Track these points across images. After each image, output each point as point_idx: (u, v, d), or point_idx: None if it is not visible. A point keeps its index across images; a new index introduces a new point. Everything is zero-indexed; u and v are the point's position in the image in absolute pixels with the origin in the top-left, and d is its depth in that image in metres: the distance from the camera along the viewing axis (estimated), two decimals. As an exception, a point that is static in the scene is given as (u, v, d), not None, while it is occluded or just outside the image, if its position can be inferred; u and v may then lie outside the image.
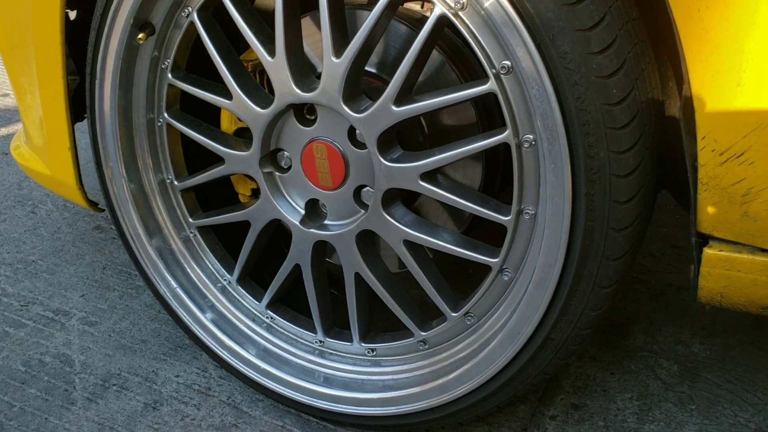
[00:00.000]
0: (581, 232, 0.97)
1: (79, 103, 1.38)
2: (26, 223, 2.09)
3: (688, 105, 0.87)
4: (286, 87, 1.12)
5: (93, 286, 1.80)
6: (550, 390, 1.42)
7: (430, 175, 1.09)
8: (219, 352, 1.40)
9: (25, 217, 2.12)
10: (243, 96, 1.17)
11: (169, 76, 1.26)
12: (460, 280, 1.72)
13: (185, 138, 1.34)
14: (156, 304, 1.70)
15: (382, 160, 1.09)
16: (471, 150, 1.03)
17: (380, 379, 1.28)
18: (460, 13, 0.95)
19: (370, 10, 1.01)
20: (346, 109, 1.08)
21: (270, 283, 1.35)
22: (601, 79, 0.88)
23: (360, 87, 1.11)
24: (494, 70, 0.95)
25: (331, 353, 1.35)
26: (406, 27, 1.20)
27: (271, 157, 1.24)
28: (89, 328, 1.64)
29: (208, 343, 1.41)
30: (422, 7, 1.33)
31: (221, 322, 1.42)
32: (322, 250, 1.27)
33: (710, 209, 0.91)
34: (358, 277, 1.23)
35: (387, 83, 1.04)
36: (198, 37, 1.20)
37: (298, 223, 1.24)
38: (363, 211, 1.18)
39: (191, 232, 1.41)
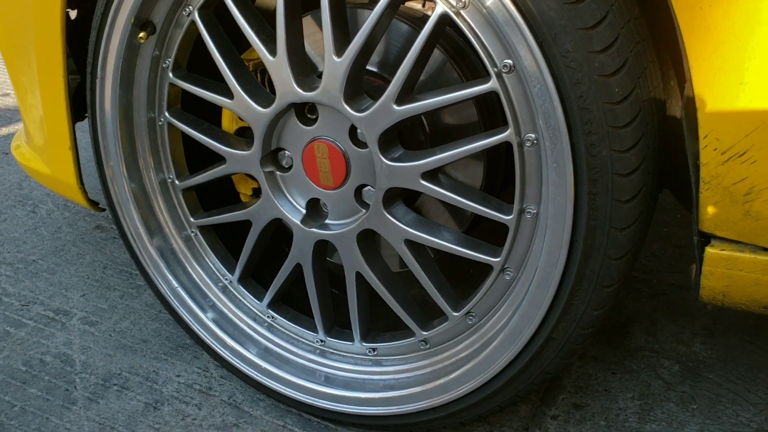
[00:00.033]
0: (583, 232, 0.97)
1: (80, 103, 1.38)
2: (27, 222, 2.09)
3: (690, 104, 0.87)
4: (287, 86, 1.12)
5: (94, 285, 1.79)
6: (551, 389, 1.42)
7: (431, 175, 1.08)
8: (220, 351, 1.40)
9: (26, 217, 2.12)
10: (244, 95, 1.17)
11: (170, 75, 1.26)
12: (462, 279, 1.72)
13: (186, 137, 1.34)
14: (157, 304, 1.70)
15: (384, 159, 1.09)
16: (472, 149, 1.03)
17: (381, 379, 1.28)
18: (462, 12, 0.94)
19: (372, 9, 1.01)
20: (347, 108, 1.08)
21: (271, 283, 1.35)
22: (603, 77, 0.88)
23: (361, 86, 1.10)
24: (496, 69, 0.95)
25: (332, 353, 1.35)
26: (408, 26, 1.19)
27: (272, 156, 1.24)
28: (90, 328, 1.64)
29: (210, 343, 1.41)
30: (423, 5, 1.33)
31: (222, 321, 1.42)
32: (323, 249, 1.27)
33: (712, 208, 0.91)
34: (359, 277, 1.23)
35: (388, 82, 1.03)
36: (199, 36, 1.20)
37: (299, 223, 1.24)
38: (364, 210, 1.18)
39: (192, 232, 1.41)
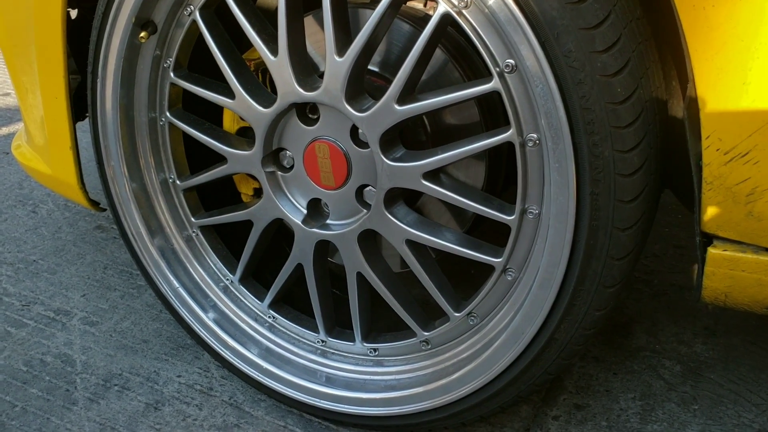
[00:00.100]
0: (585, 232, 0.97)
1: (81, 102, 1.38)
2: (27, 222, 2.09)
3: (693, 104, 0.87)
4: (288, 86, 1.12)
5: (94, 285, 1.79)
6: (553, 390, 1.42)
7: (432, 175, 1.08)
8: (221, 351, 1.40)
9: (26, 217, 2.11)
10: (245, 95, 1.17)
11: (171, 75, 1.25)
12: (463, 280, 1.71)
13: (187, 137, 1.34)
14: (158, 304, 1.70)
15: (385, 159, 1.09)
16: (474, 149, 1.03)
17: (383, 379, 1.28)
18: (464, 12, 0.94)
19: (373, 9, 1.01)
20: (348, 108, 1.08)
21: (272, 283, 1.35)
22: (605, 77, 0.87)
23: (363, 86, 1.10)
24: (498, 69, 0.95)
25: (333, 353, 1.35)
26: (409, 25, 1.19)
27: (273, 156, 1.23)
28: (90, 328, 1.64)
29: (210, 343, 1.41)
30: (425, 5, 1.33)
31: (223, 321, 1.42)
32: (324, 249, 1.27)
33: (714, 209, 0.91)
34: (361, 277, 1.23)
35: (390, 82, 1.03)
36: (200, 35, 1.20)
37: (300, 223, 1.24)
38: (365, 210, 1.18)
39: (193, 232, 1.41)
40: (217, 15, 1.19)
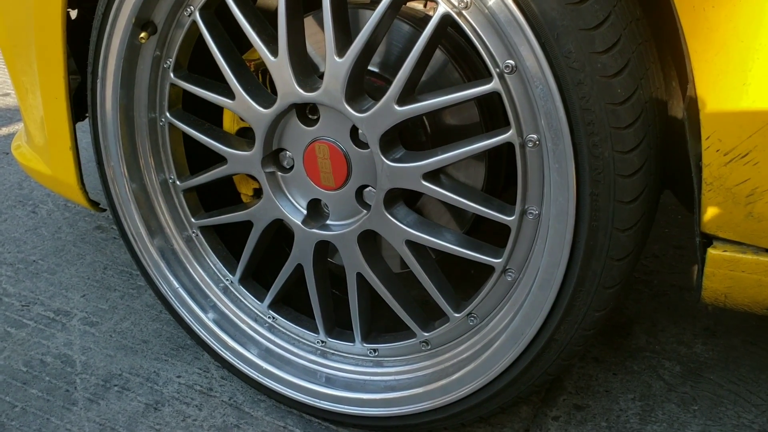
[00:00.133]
0: (585, 233, 0.97)
1: (81, 103, 1.38)
2: (27, 222, 2.09)
3: (693, 105, 0.87)
4: (288, 87, 1.12)
5: (94, 286, 1.79)
6: (552, 391, 1.42)
7: (432, 175, 1.08)
8: (221, 352, 1.40)
9: (26, 217, 2.11)
10: (245, 96, 1.17)
11: (171, 75, 1.25)
12: (463, 280, 1.71)
13: (187, 138, 1.34)
14: (157, 304, 1.70)
15: (385, 159, 1.09)
16: (474, 150, 1.03)
17: (382, 380, 1.28)
18: (464, 12, 0.94)
19: (373, 9, 1.01)
20: (348, 108, 1.08)
21: (272, 283, 1.35)
22: (605, 78, 0.87)
23: (363, 86, 1.10)
24: (498, 70, 0.95)
25: (333, 353, 1.35)
26: (409, 26, 1.19)
27: (273, 156, 1.23)
28: (90, 329, 1.64)
29: (210, 344, 1.41)
30: (425, 6, 1.33)
31: (223, 322, 1.42)
32: (324, 250, 1.27)
33: (714, 210, 0.91)
34: (360, 278, 1.23)
35: (390, 83, 1.03)
36: (200, 36, 1.20)
37: (300, 223, 1.24)
38: (365, 211, 1.18)
39: (193, 232, 1.41)
40: (217, 15, 1.20)
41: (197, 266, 1.42)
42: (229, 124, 1.37)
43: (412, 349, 1.26)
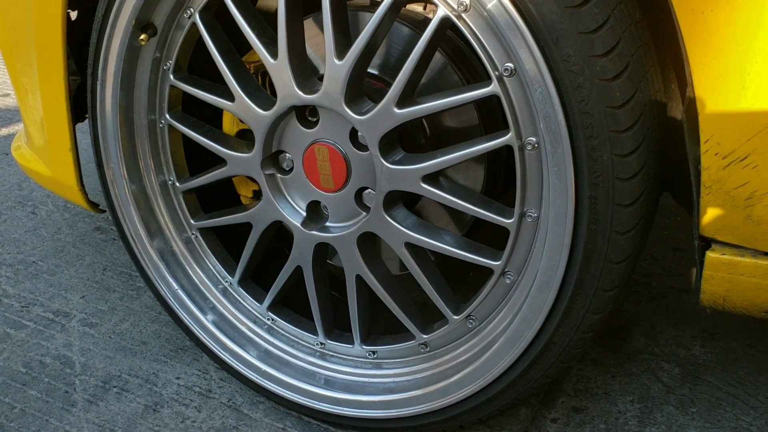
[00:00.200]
0: (584, 236, 0.97)
1: (81, 104, 1.38)
2: (27, 223, 2.09)
3: (692, 108, 0.87)
4: (288, 89, 1.12)
5: (93, 287, 1.79)
6: (551, 393, 1.42)
7: (432, 178, 1.08)
8: (220, 353, 1.40)
9: (26, 218, 2.11)
10: (245, 98, 1.17)
11: (171, 77, 1.26)
12: (462, 282, 1.72)
13: (187, 139, 1.34)
14: (157, 306, 1.70)
15: (384, 162, 1.09)
16: (473, 152, 1.03)
17: (381, 382, 1.28)
18: (463, 15, 0.94)
19: (373, 12, 1.01)
20: (348, 111, 1.08)
21: (271, 285, 1.35)
22: (604, 81, 0.88)
23: (362, 89, 1.10)
24: (497, 73, 0.95)
25: (332, 355, 1.35)
26: (409, 29, 1.19)
27: (272, 158, 1.23)
28: (90, 330, 1.64)
29: (209, 345, 1.41)
30: (425, 8, 1.33)
31: (222, 323, 1.42)
32: (323, 252, 1.27)
33: (713, 213, 0.91)
34: (360, 280, 1.23)
35: (389, 85, 1.03)
36: (200, 38, 1.20)
37: (299, 225, 1.24)
38: (364, 213, 1.18)
39: (193, 234, 1.41)
40: (216, 17, 1.20)
41: (196, 268, 1.42)
42: (229, 126, 1.38)
43: (411, 351, 1.26)
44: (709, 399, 1.40)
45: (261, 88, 1.22)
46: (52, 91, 1.36)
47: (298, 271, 1.29)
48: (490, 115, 1.21)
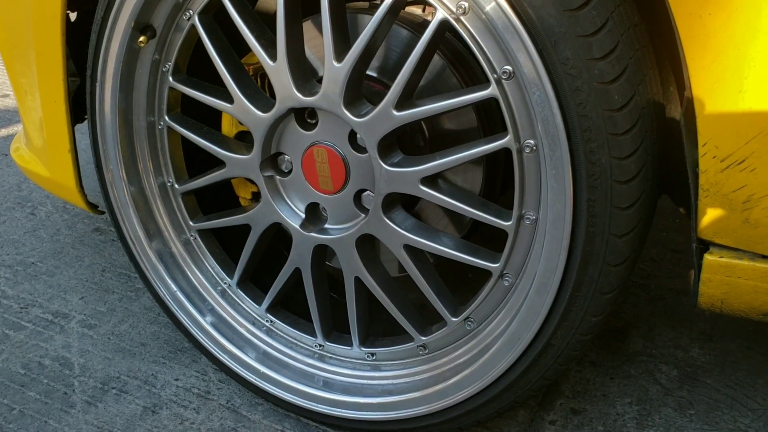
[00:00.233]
0: (582, 238, 0.97)
1: (80, 105, 1.38)
2: (26, 224, 2.09)
3: (690, 111, 0.87)
4: (287, 91, 1.12)
5: (92, 288, 1.79)
6: (549, 395, 1.42)
7: (430, 180, 1.08)
8: (218, 355, 1.40)
9: (25, 219, 2.11)
10: (244, 100, 1.17)
11: (170, 79, 1.26)
12: (460, 284, 1.72)
13: (186, 141, 1.34)
14: (155, 307, 1.70)
15: (383, 164, 1.09)
16: (472, 155, 1.03)
17: (380, 384, 1.28)
18: (462, 18, 0.94)
19: (372, 15, 1.01)
20: (347, 113, 1.08)
21: (270, 287, 1.35)
22: (602, 85, 0.88)
23: (361, 91, 1.10)
24: (495, 75, 0.95)
25: (330, 357, 1.35)
26: (408, 31, 1.20)
27: (271, 160, 1.24)
28: (88, 331, 1.64)
29: (208, 347, 1.41)
30: (423, 11, 1.33)
31: (221, 325, 1.42)
32: (322, 253, 1.27)
33: (711, 216, 0.91)
34: (358, 281, 1.23)
35: (388, 87, 1.03)
36: (199, 40, 1.20)
37: (298, 227, 1.24)
38: (363, 215, 1.18)
39: (191, 235, 1.41)
40: (215, 20, 1.20)
41: (195, 269, 1.42)
42: (228, 128, 1.38)
43: (409, 353, 1.26)
44: (708, 401, 1.40)
45: (260, 90, 1.22)
46: (51, 93, 1.36)
47: (297, 273, 1.29)
48: (489, 118, 1.21)
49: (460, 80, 1.20)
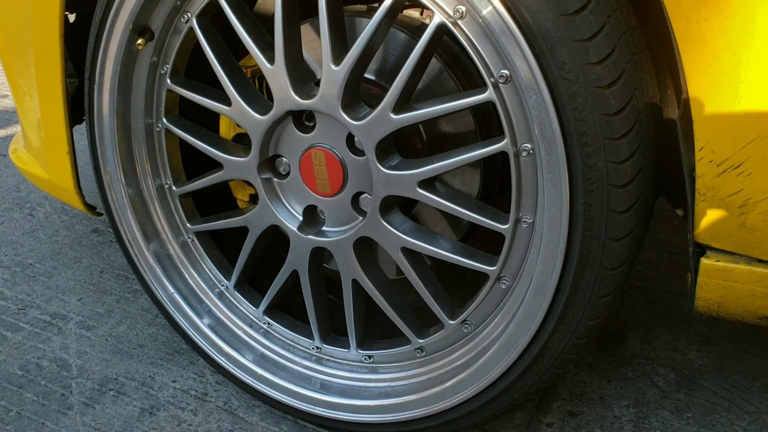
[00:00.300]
0: (579, 242, 0.97)
1: (78, 106, 1.38)
2: (24, 225, 2.09)
3: (686, 115, 0.87)
4: (285, 94, 1.12)
5: (90, 289, 1.79)
6: (546, 397, 1.42)
7: (428, 183, 1.09)
8: (216, 357, 1.40)
9: (23, 220, 2.11)
10: (242, 102, 1.17)
11: (168, 81, 1.26)
12: (458, 287, 1.72)
13: (184, 143, 1.34)
14: (153, 309, 1.70)
15: (381, 167, 1.09)
16: (469, 158, 1.03)
17: (377, 386, 1.28)
18: (459, 22, 0.95)
19: (370, 18, 1.01)
20: (344, 116, 1.08)
21: (267, 289, 1.35)
22: (599, 89, 0.88)
23: (359, 94, 1.11)
24: (493, 79, 0.95)
25: (328, 360, 1.35)
26: (405, 35, 1.20)
27: (269, 163, 1.24)
28: (86, 332, 1.64)
29: (205, 349, 1.41)
30: (421, 14, 1.33)
31: (218, 327, 1.42)
32: (319, 256, 1.27)
33: (707, 220, 0.91)
34: (356, 284, 1.23)
35: (386, 91, 1.04)
36: (197, 42, 1.20)
37: (296, 230, 1.24)
38: (361, 217, 1.18)
39: (189, 238, 1.41)
40: (213, 22, 1.20)
41: (193, 271, 1.42)
42: (226, 130, 1.38)
43: (407, 355, 1.26)
44: (705, 404, 1.40)
45: (258, 92, 1.22)
46: (49, 94, 1.36)
47: (295, 275, 1.29)
48: (486, 122, 1.21)
49: (457, 84, 1.20)
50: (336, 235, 1.21)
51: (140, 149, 1.35)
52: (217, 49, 1.18)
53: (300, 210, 1.26)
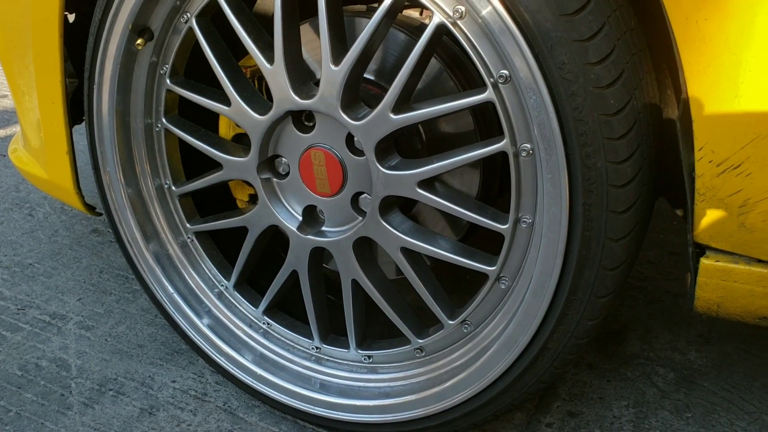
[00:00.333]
0: (578, 242, 0.97)
1: (78, 106, 1.38)
2: (23, 225, 2.09)
3: (686, 115, 0.87)
4: (284, 94, 1.12)
5: (90, 289, 1.79)
6: (546, 397, 1.42)
7: (427, 183, 1.09)
8: (215, 357, 1.40)
9: (23, 220, 2.11)
10: (241, 102, 1.17)
11: (168, 81, 1.26)
12: (457, 287, 1.72)
13: (183, 143, 1.34)
14: (153, 309, 1.70)
15: (380, 167, 1.09)
16: (469, 158, 1.03)
17: (377, 386, 1.28)
18: (459, 22, 0.95)
19: (369, 18, 1.01)
20: (344, 116, 1.08)
21: (267, 289, 1.35)
22: (599, 89, 0.88)
23: (358, 94, 1.11)
24: (492, 79, 0.95)
25: (327, 360, 1.35)
26: (405, 35, 1.20)
27: (269, 163, 1.24)
28: (86, 332, 1.64)
29: (205, 349, 1.41)
30: (421, 14, 1.33)
31: (218, 327, 1.42)
32: (319, 256, 1.27)
33: (707, 220, 0.91)
34: (355, 284, 1.23)
35: (385, 91, 1.04)
36: (196, 42, 1.20)
37: (295, 230, 1.24)
38: (360, 218, 1.18)
39: (188, 238, 1.41)
40: (213, 22, 1.20)
41: (192, 271, 1.42)
42: (225, 131, 1.38)
43: (406, 355, 1.26)
44: (704, 404, 1.40)
45: (257, 92, 1.22)
46: (48, 94, 1.36)
47: (294, 275, 1.29)
48: (486, 122, 1.21)
49: (457, 84, 1.20)
50: (335, 235, 1.21)
51: (140, 149, 1.34)
52: (217, 49, 1.18)
53: (299, 210, 1.26)
